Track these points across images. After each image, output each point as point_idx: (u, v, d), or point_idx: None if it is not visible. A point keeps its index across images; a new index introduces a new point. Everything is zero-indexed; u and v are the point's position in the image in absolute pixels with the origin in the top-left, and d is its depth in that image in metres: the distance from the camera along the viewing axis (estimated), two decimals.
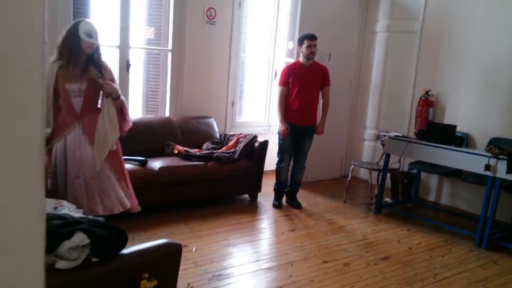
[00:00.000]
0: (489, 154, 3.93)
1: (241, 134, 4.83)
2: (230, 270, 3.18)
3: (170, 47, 4.89)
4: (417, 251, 3.83)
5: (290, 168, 4.73)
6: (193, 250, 3.42)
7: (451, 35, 4.98)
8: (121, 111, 3.23)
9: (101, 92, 3.22)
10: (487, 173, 3.92)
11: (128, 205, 3.25)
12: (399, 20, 5.54)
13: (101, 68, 3.13)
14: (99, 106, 3.27)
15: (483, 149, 4.25)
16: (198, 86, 5.05)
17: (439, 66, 5.09)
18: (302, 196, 4.95)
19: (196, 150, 4.53)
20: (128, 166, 3.72)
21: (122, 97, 3.22)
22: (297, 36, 4.75)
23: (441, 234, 4.26)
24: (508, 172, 3.79)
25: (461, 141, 4.40)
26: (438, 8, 5.08)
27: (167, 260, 1.66)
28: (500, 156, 3.87)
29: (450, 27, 4.98)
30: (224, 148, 4.66)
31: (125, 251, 1.70)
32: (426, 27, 5.21)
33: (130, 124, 3.35)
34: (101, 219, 2.06)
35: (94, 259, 1.62)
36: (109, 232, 1.67)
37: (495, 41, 4.63)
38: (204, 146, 4.70)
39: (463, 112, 4.89)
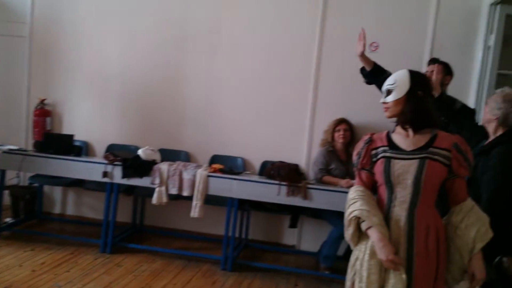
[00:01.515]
0: (106, 161, 4.14)
1: None
2: None
3: None
4: (42, 272, 3.64)
5: None
6: None
7: (62, 43, 4.97)
8: None
9: None
10: (105, 179, 4.13)
11: None
12: (5, 23, 5.08)
13: None
14: None
15: (102, 156, 4.43)
16: None
17: (53, 74, 5.00)
18: None
19: None
20: None
21: None
22: None
23: (67, 247, 4.21)
24: (123, 177, 4.10)
25: (80, 150, 4.45)
26: (46, 14, 4.96)
27: None
28: (116, 163, 4.13)
29: (61, 34, 4.96)
30: None
31: None
32: (35, 33, 5.00)
33: None
34: None
35: None
36: None
37: (107, 50, 4.91)
38: None
39: (81, 120, 4.99)
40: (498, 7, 3.86)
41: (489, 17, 3.95)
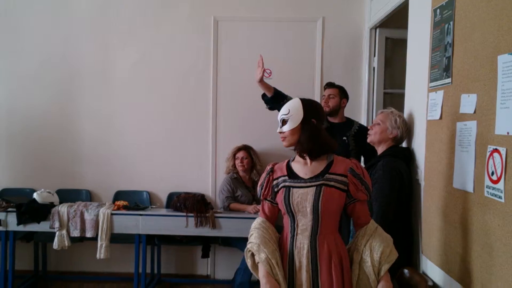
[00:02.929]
0: None
1: None
2: None
3: None
4: None
5: None
6: None
7: None
8: None
9: None
10: None
11: None
12: None
13: None
14: None
15: None
16: None
17: None
18: None
19: None
20: None
21: None
22: None
23: None
24: (19, 223, 3.81)
25: None
26: None
27: None
28: (9, 209, 3.85)
29: None
30: None
31: None
32: None
33: None
34: None
35: None
36: None
37: None
38: None
39: None
40: (378, 30, 4.11)
41: (371, 40, 4.20)
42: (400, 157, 2.73)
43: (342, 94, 3.66)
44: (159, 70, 4.51)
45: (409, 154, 2.79)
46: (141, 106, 4.53)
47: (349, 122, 3.69)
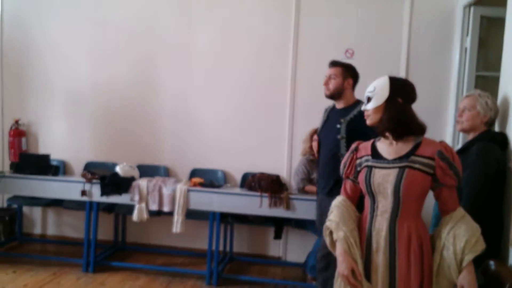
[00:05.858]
0: (84, 180, 4.16)
1: None
2: None
3: None
4: None
5: None
6: None
7: (34, 61, 4.95)
8: None
9: None
10: (84, 198, 4.16)
11: None
12: None
13: None
14: None
15: (80, 175, 4.43)
16: None
17: (26, 93, 4.99)
18: None
19: None
20: None
21: None
22: None
23: (49, 268, 4.21)
24: (102, 194, 4.11)
25: (57, 169, 4.45)
26: (15, 33, 4.95)
27: None
28: (94, 181, 4.15)
29: (31, 53, 4.94)
30: None
31: None
32: (5, 52, 4.98)
33: None
34: None
35: None
36: None
37: (77, 66, 4.90)
38: None
39: (57, 139, 4.99)
40: (472, 8, 3.90)
41: (464, 19, 4.00)
42: (496, 142, 2.60)
43: (347, 73, 3.13)
44: (238, 46, 4.62)
45: (504, 139, 2.65)
46: (218, 84, 4.68)
47: (355, 105, 3.12)
